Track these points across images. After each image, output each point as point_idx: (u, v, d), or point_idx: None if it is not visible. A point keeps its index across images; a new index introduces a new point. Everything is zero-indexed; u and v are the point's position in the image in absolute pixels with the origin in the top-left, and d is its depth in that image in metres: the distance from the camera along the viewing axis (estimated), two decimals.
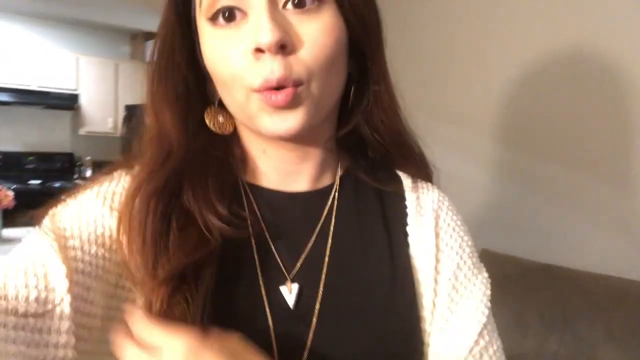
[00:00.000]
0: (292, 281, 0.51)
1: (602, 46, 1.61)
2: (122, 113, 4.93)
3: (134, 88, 5.06)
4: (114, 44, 5.18)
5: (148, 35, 4.87)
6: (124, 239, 0.47)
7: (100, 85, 4.95)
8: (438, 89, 2.11)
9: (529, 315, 1.40)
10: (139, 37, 5.15)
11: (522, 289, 1.47)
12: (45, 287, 0.42)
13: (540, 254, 1.62)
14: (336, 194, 0.57)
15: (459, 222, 0.60)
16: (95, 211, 0.49)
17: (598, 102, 1.64)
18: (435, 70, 2.13)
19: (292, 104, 0.46)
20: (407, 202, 0.59)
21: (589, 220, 1.66)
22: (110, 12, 2.88)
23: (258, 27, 0.45)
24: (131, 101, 4.93)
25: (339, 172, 0.58)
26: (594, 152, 1.65)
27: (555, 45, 1.73)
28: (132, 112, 4.76)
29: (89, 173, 4.86)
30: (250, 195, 0.54)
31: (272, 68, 0.45)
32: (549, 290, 1.43)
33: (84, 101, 4.85)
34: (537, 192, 1.81)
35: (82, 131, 4.94)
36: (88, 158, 4.99)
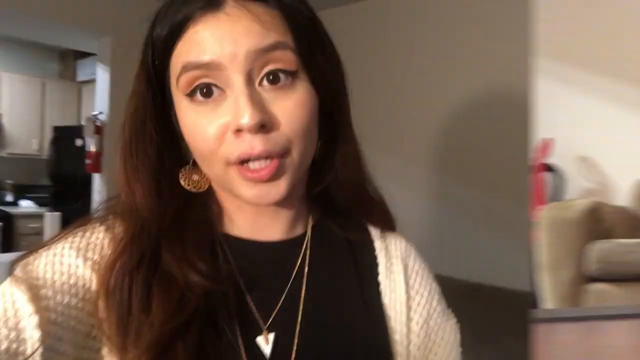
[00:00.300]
0: (269, 331, 0.51)
1: (514, 90, 1.75)
2: (49, 134, 4.68)
3: (63, 108, 4.83)
4: (40, 61, 4.91)
5: (78, 54, 4.68)
6: (104, 313, 0.46)
7: (25, 105, 4.67)
8: (377, 121, 2.18)
9: (462, 332, 1.44)
10: (68, 55, 4.93)
11: (454, 307, 1.52)
12: (17, 338, 0.41)
13: (470, 274, 1.69)
14: (309, 243, 0.58)
15: (426, 271, 0.63)
16: (70, 261, 0.48)
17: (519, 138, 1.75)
18: (375, 103, 2.21)
19: (274, 177, 0.47)
20: (376, 252, 0.61)
21: (514, 242, 1.75)
22: (38, 29, 2.74)
23: (238, 108, 0.45)
24: (59, 122, 4.71)
25: (311, 222, 0.59)
26: (521, 182, 1.75)
27: (480, 89, 1.87)
28: (59, 133, 4.54)
29: (9, 198, 4.56)
30: (226, 246, 0.53)
31: (252, 144, 0.46)
32: (479, 307, 1.49)
33: (6, 121, 4.55)
34: (465, 216, 1.89)
35: (3, 153, 4.63)
36: (9, 182, 4.68)
